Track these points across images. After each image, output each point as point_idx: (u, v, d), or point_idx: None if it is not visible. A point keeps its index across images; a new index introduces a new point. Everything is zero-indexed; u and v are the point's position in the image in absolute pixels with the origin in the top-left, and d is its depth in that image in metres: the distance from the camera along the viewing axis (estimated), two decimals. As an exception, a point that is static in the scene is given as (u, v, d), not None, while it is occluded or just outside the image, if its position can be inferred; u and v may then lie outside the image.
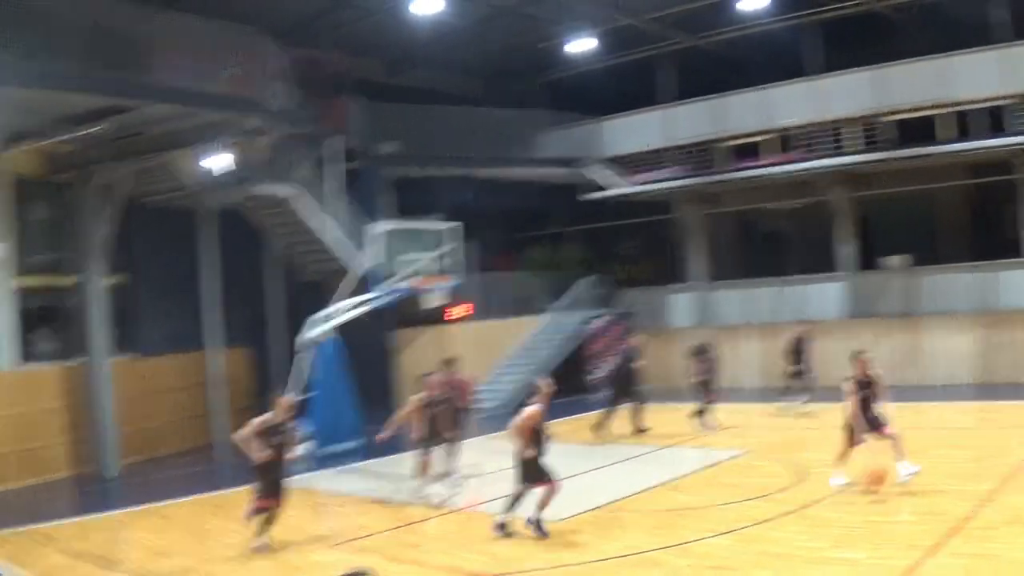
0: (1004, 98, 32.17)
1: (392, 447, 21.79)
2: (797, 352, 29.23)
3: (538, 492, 16.37)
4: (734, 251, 43.00)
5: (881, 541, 14.78)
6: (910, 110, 33.85)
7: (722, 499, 17.99)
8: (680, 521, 16.90)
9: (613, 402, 28.02)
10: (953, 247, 36.27)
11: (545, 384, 16.86)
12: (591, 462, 23.21)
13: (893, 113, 34.18)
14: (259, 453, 16.04)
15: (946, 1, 33.93)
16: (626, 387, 27.81)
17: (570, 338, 38.48)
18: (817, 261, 37.80)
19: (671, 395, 31.98)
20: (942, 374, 33.40)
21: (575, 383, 36.10)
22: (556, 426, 29.53)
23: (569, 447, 25.99)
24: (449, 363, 22.83)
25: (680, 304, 40.90)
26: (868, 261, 37.07)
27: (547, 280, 41.12)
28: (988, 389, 31.65)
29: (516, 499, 16.59)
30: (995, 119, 32.51)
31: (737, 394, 32.40)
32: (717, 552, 14.92)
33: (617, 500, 18.81)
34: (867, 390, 17.72)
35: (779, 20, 35.97)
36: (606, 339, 39.02)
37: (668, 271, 42.19)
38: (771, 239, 42.95)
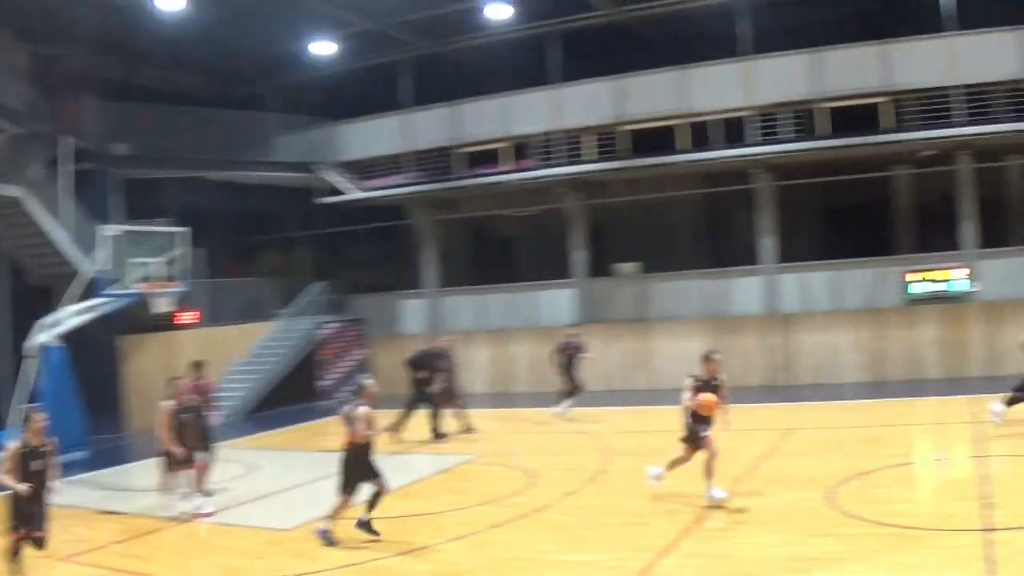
0: (742, 110, 32.84)
1: (118, 457, 20.90)
2: (566, 357, 28.97)
3: (336, 501, 15.82)
4: (468, 257, 42.92)
5: (614, 543, 14.78)
6: (648, 120, 34.26)
7: (454, 504, 17.63)
8: (413, 527, 16.47)
9: (437, 406, 27.28)
10: (687, 254, 36.78)
11: (371, 384, 16.34)
12: (319, 470, 22.53)
13: (631, 123, 34.50)
14: (19, 486, 14.44)
15: (689, 14, 34.43)
16: (424, 391, 27.06)
17: (301, 344, 37.68)
18: (551, 268, 37.89)
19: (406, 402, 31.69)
20: (673, 378, 33.74)
21: (305, 390, 35.53)
22: (286, 434, 29.24)
23: (298, 455, 25.58)
24: (197, 367, 21.72)
25: (413, 310, 40.50)
26: (601, 268, 37.27)
27: (279, 285, 40.28)
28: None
29: (376, 497, 15.86)
30: (733, 130, 33.05)
31: (469, 400, 32.14)
32: (451, 558, 14.61)
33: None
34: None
35: (521, 29, 35.90)
36: (337, 345, 38.52)
37: (402, 277, 41.74)
38: (506, 246, 42.97)
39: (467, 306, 39.43)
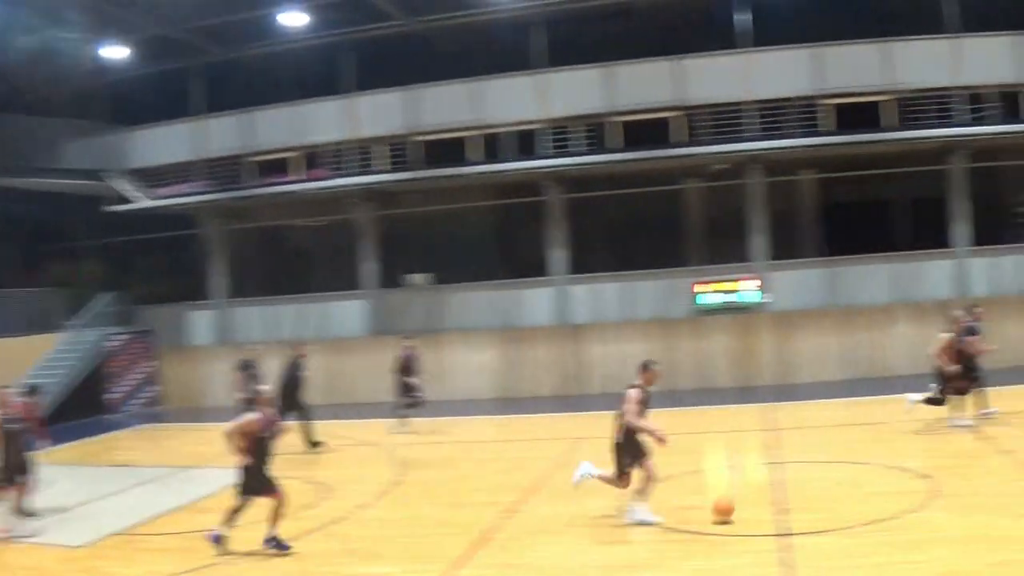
0: (535, 122, 33.18)
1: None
2: (406, 368, 28.52)
3: (265, 504, 15.25)
4: (260, 268, 42.36)
5: (409, 555, 14.77)
6: (441, 131, 34.33)
7: (247, 518, 17.23)
8: (205, 543, 16.01)
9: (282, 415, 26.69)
10: (479, 266, 36.81)
11: (267, 391, 16.00)
12: (110, 485, 22.07)
13: (424, 133, 34.56)
14: None
15: (483, 26, 34.64)
16: (293, 400, 26.30)
17: (88, 357, 36.68)
18: (343, 278, 37.64)
19: (196, 415, 31.21)
20: (465, 389, 33.99)
21: (93, 403, 34.83)
22: (75, 448, 28.48)
23: (89, 469, 24.92)
24: (33, 392, 20.83)
25: (202, 321, 39.81)
26: (394, 279, 37.21)
27: (66, 296, 39.19)
28: (510, 403, 32.50)
29: (235, 511, 15.41)
30: (526, 142, 33.29)
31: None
32: (243, 573, 14.45)
33: (139, 523, 17.82)
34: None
35: (315, 37, 35.73)
36: (126, 358, 37.71)
37: (192, 288, 40.97)
38: (297, 256, 42.49)
39: (258, 317, 38.83)
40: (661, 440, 15.27)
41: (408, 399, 28.26)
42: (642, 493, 15.54)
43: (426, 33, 35.88)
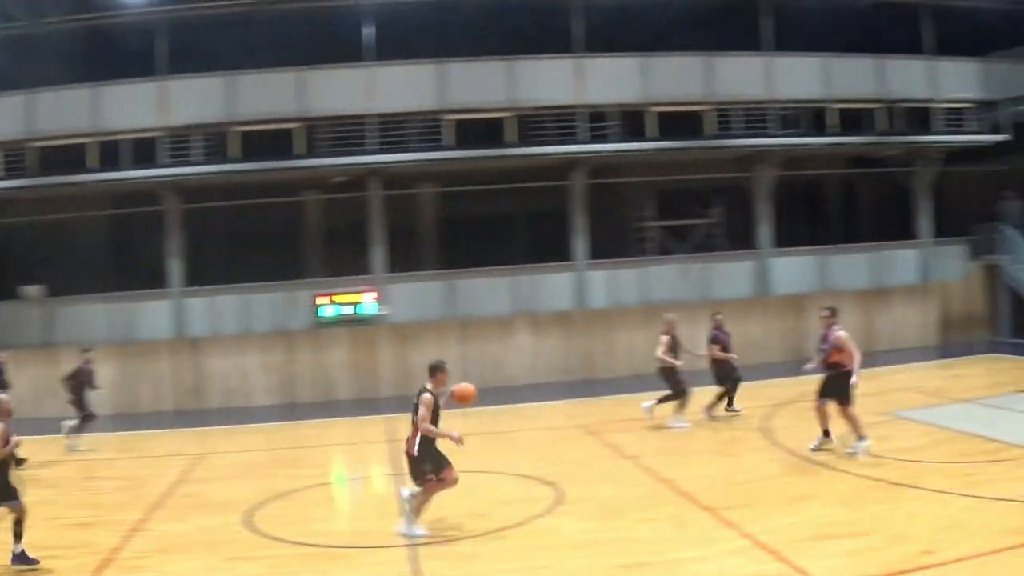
0: (155, 130, 32.54)
1: None
2: (79, 381, 26.82)
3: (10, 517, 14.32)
4: None
5: None
6: (57, 137, 33.33)
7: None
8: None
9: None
10: (95, 277, 35.70)
11: (5, 399, 14.71)
12: None
13: (40, 139, 33.41)
14: None
15: (106, 29, 34.12)
16: None
17: None
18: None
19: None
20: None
21: None
22: None
23: None
24: None
25: None
26: (5, 291, 35.55)
27: None
28: (129, 419, 31.67)
29: (17, 524, 14.38)
30: (144, 150, 32.62)
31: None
32: None
33: None
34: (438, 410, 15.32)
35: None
36: None
37: None
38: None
39: None
40: (459, 442, 14.99)
41: (82, 414, 26.95)
42: (418, 509, 15.15)
43: (47, 35, 34.64)
